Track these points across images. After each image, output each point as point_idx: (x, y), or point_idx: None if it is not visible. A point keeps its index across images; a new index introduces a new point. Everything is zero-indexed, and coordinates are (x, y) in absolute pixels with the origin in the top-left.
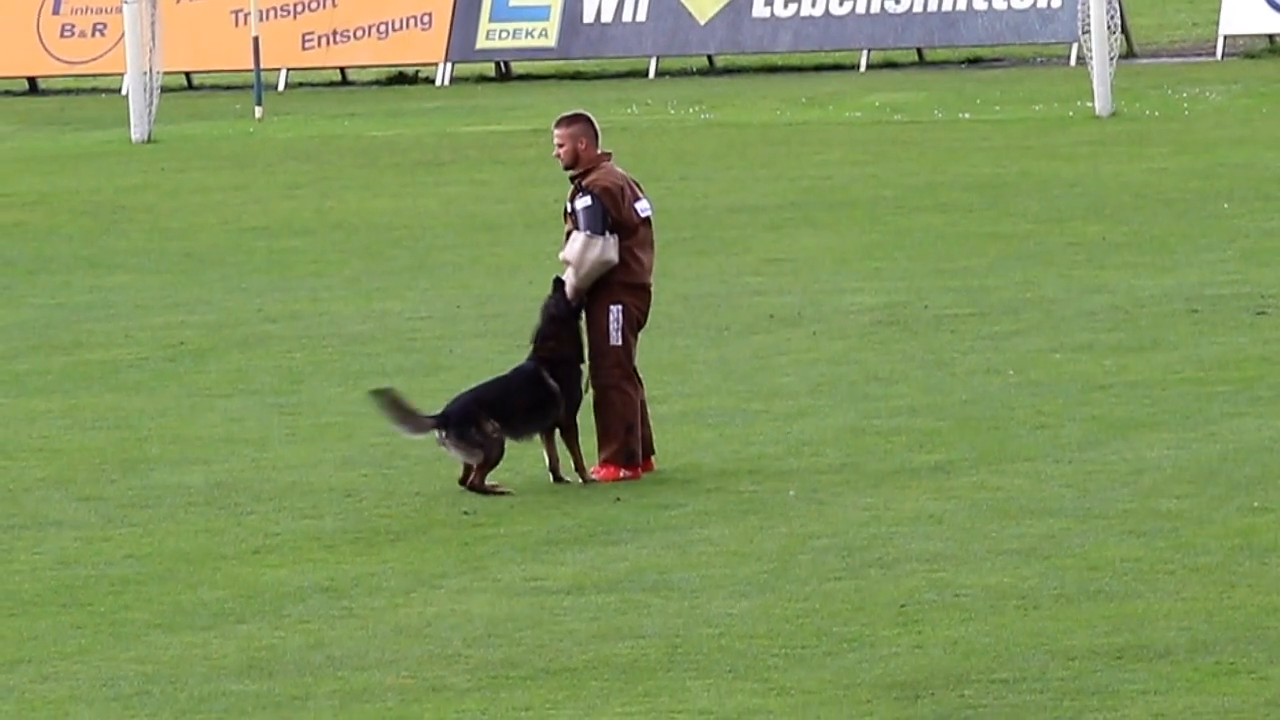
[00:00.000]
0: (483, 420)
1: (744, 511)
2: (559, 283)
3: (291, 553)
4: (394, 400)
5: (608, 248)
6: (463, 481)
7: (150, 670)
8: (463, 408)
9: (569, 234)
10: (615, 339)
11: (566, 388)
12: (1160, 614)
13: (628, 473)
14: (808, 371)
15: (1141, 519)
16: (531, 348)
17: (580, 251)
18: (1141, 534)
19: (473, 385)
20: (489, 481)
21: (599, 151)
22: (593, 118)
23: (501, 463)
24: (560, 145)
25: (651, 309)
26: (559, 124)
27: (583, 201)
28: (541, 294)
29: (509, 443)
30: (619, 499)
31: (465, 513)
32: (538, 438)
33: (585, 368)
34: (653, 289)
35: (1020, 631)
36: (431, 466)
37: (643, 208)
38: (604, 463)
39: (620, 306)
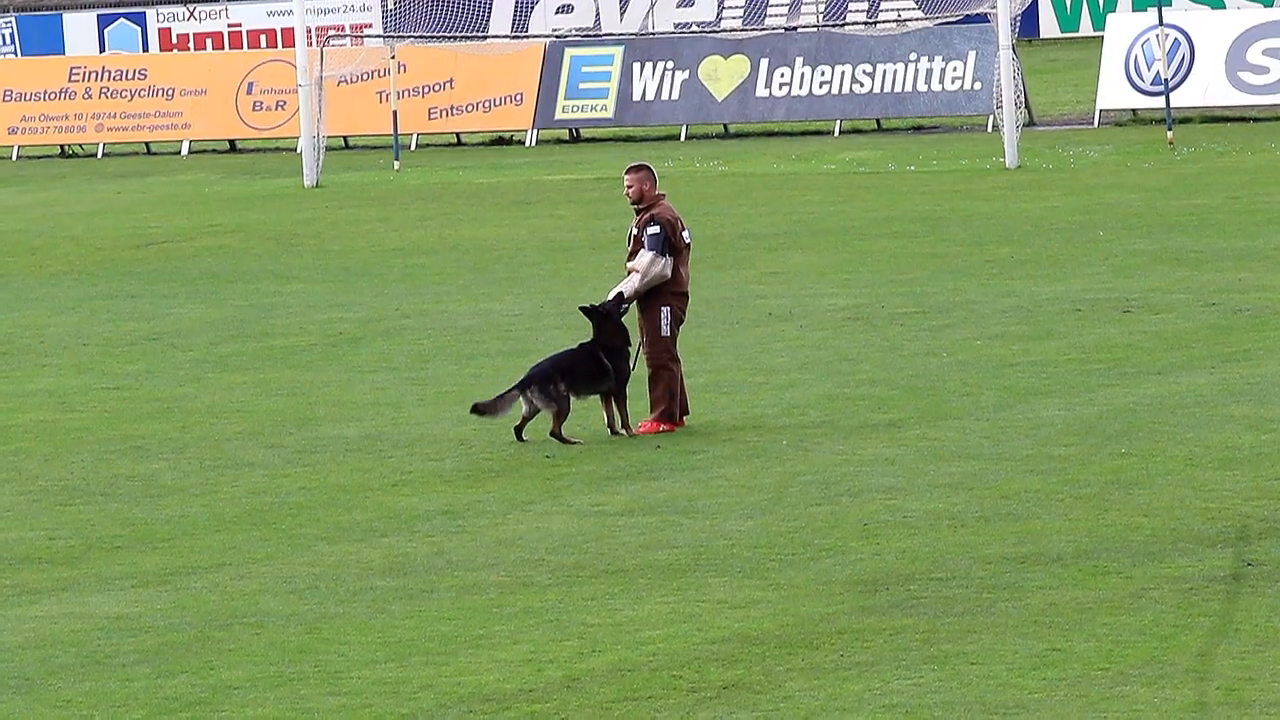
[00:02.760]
0: (558, 380)
1: (750, 456)
2: (617, 296)
3: (420, 485)
4: (486, 405)
5: (666, 266)
6: (518, 429)
7: (318, 571)
8: (543, 371)
9: (632, 251)
10: (665, 331)
11: (616, 365)
12: (1053, 531)
13: (666, 428)
14: (796, 354)
15: (1039, 461)
16: (592, 336)
17: (648, 265)
18: (1039, 472)
19: (549, 355)
20: (565, 434)
21: (657, 191)
22: (653, 166)
23: (573, 420)
24: (630, 186)
25: (689, 309)
26: (630, 171)
27: (652, 229)
28: (601, 298)
29: (573, 401)
30: (659, 447)
31: (547, 456)
32: (595, 400)
33: (634, 350)
34: (689, 295)
35: (951, 543)
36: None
37: (686, 236)
38: (651, 420)
39: (669, 308)
